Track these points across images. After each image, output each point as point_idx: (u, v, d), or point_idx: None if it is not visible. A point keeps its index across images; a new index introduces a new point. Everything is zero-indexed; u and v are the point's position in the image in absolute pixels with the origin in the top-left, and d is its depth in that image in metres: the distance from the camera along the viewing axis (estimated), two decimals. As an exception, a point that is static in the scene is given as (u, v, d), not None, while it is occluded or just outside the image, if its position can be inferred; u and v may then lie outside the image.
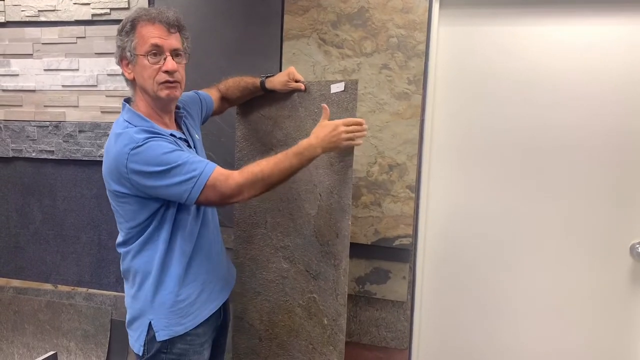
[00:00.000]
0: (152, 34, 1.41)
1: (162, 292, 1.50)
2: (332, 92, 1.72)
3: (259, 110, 1.90)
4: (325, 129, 1.51)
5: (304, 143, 1.47)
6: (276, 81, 1.78)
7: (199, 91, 1.81)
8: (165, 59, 1.42)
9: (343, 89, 1.70)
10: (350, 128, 1.52)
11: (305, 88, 1.77)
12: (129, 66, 1.45)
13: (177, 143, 1.43)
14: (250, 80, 1.82)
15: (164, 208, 1.46)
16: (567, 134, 2.07)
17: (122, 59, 1.46)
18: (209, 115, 1.83)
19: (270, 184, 1.44)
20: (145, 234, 1.47)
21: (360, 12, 2.06)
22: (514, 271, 2.19)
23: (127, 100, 1.53)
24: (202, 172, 1.37)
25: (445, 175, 2.22)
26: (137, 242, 1.49)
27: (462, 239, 2.23)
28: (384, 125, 2.08)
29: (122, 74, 1.49)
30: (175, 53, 1.45)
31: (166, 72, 1.42)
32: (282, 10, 2.15)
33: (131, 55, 1.42)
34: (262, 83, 1.79)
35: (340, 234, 1.75)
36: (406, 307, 2.20)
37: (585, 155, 2.06)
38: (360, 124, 1.55)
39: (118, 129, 1.42)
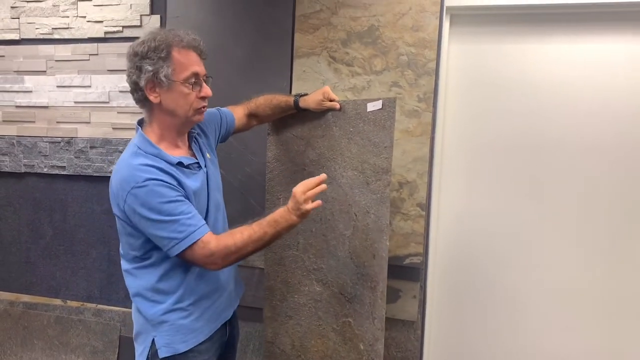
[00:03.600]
0: (191, 61, 1.43)
1: (164, 311, 1.50)
2: (368, 110, 1.71)
3: (290, 131, 1.89)
4: (291, 199, 1.48)
5: (280, 211, 1.46)
6: (310, 100, 1.78)
7: (221, 108, 1.81)
8: (201, 86, 1.46)
9: (380, 107, 1.69)
10: (310, 193, 1.46)
11: (341, 107, 1.77)
12: (156, 90, 1.42)
13: (178, 187, 1.42)
14: (282, 99, 1.82)
15: None
16: (577, 147, 2.06)
17: (149, 82, 1.41)
18: (230, 132, 1.83)
19: (244, 255, 1.45)
20: (144, 254, 1.48)
21: (370, 30, 2.06)
22: (527, 291, 2.16)
23: (141, 122, 1.53)
24: (186, 237, 1.38)
25: (456, 193, 2.20)
26: (137, 260, 1.49)
27: (474, 258, 2.21)
28: (394, 142, 2.07)
29: (142, 97, 1.45)
30: (205, 79, 1.49)
31: (202, 97, 1.46)
32: (292, 28, 2.16)
33: (167, 81, 1.40)
34: (296, 102, 1.79)
35: (377, 255, 1.71)
36: (417, 326, 2.17)
37: (598, 165, 2.05)
38: (319, 183, 1.49)
39: (127, 157, 1.43)
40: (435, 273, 2.24)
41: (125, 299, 2.55)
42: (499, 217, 2.16)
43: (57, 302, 2.67)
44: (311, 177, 1.80)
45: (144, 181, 1.36)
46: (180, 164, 1.47)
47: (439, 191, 2.19)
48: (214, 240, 1.42)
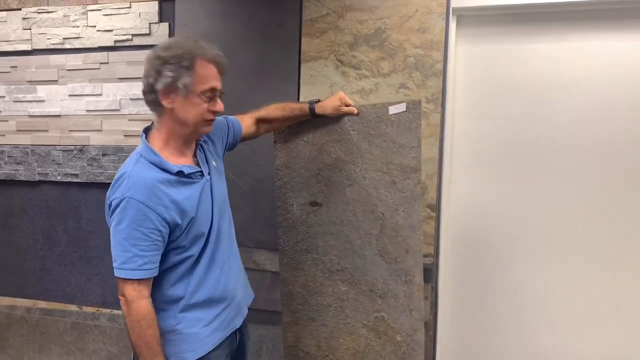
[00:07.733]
0: (212, 76, 1.46)
1: (170, 322, 1.50)
2: (390, 113, 1.76)
3: (299, 137, 1.90)
4: None
5: None
6: (327, 106, 1.80)
7: (228, 116, 1.81)
8: (216, 101, 1.49)
9: (404, 109, 1.74)
10: None
11: (358, 112, 1.80)
12: (171, 96, 1.43)
13: (162, 220, 1.41)
14: (296, 106, 1.83)
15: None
16: (587, 146, 2.05)
17: (166, 88, 1.42)
18: (237, 141, 1.82)
19: (130, 333, 1.42)
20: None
21: (377, 33, 2.07)
22: (537, 289, 2.15)
23: (146, 130, 1.54)
24: (120, 268, 1.39)
25: (466, 193, 2.20)
26: None
27: (484, 258, 2.20)
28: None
29: (154, 100, 1.46)
30: (220, 95, 1.51)
31: (213, 111, 1.49)
32: (299, 33, 2.17)
33: (185, 90, 1.42)
34: (312, 109, 1.81)
35: (411, 250, 1.77)
36: (429, 327, 2.17)
37: (609, 165, 2.04)
38: None
39: (129, 164, 1.46)
40: (446, 274, 2.24)
41: (139, 304, 2.58)
42: (509, 218, 2.16)
43: (73, 307, 2.71)
44: (327, 181, 1.81)
45: (127, 199, 1.38)
46: (180, 173, 1.47)
47: (448, 192, 2.19)
48: (147, 300, 1.41)
